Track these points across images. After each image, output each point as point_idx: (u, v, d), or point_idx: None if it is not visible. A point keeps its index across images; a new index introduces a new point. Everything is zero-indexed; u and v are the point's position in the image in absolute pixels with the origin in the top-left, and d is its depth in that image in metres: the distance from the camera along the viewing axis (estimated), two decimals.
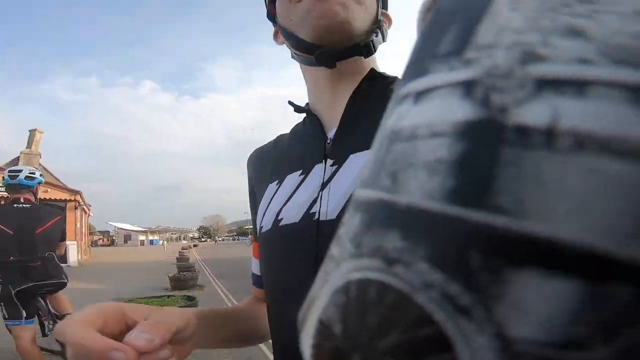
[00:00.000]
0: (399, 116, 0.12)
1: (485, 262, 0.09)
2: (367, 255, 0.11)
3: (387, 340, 0.10)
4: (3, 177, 2.26)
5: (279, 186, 0.44)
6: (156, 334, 0.27)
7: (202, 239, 77.64)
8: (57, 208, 2.58)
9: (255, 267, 0.54)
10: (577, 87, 0.08)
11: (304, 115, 0.47)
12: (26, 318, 2.14)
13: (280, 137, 0.53)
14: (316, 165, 0.41)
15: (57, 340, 2.30)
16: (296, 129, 0.50)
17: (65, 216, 2.45)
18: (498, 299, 0.08)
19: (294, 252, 0.39)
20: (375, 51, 0.41)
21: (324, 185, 0.38)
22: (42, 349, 2.46)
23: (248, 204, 0.53)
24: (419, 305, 0.10)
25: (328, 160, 0.40)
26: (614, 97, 0.08)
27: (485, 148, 0.09)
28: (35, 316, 2.27)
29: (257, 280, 0.52)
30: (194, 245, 37.82)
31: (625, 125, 0.08)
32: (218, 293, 6.60)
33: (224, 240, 72.07)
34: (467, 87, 0.10)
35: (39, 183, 2.34)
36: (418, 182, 0.10)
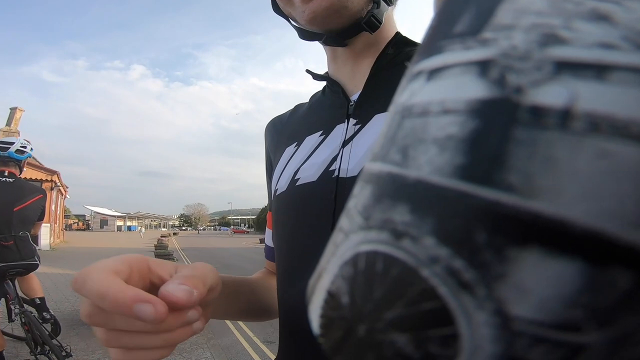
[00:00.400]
0: (412, 93, 0.12)
1: (491, 240, 0.09)
2: (375, 227, 0.11)
3: (391, 312, 0.10)
4: None
5: (297, 148, 0.42)
6: (195, 287, 0.23)
7: (183, 228, 75.74)
8: (40, 187, 2.39)
9: (268, 238, 0.51)
10: (598, 71, 0.08)
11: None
12: None
13: (299, 106, 0.50)
14: (338, 125, 0.38)
15: (22, 326, 2.25)
16: (315, 97, 0.47)
17: (46, 195, 2.33)
18: (500, 277, 0.08)
19: (311, 211, 0.36)
20: (380, 22, 0.38)
21: (345, 142, 0.36)
22: (6, 334, 2.40)
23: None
24: (424, 279, 0.10)
25: (351, 119, 0.37)
26: (636, 82, 0.08)
27: (497, 126, 0.09)
28: (2, 299, 2.19)
29: (270, 253, 0.50)
30: (174, 234, 37.07)
31: None
32: None
33: (204, 229, 70.63)
34: (482, 67, 0.10)
35: (28, 157, 2.26)
36: (428, 157, 0.10)
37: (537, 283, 0.08)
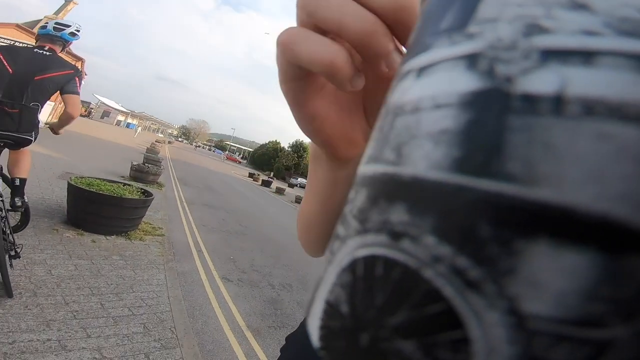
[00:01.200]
0: (402, 91, 0.12)
1: (495, 233, 0.08)
2: (372, 230, 0.11)
3: (395, 317, 0.10)
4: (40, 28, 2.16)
5: None
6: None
7: (179, 139, 76.63)
8: (74, 66, 2.26)
9: None
10: (584, 56, 0.08)
11: None
12: None
13: None
14: None
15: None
16: None
17: (78, 74, 2.20)
18: (509, 272, 0.08)
19: None
20: None
21: None
22: None
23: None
24: (427, 281, 0.09)
25: None
26: (623, 65, 0.08)
27: (492, 116, 0.09)
28: None
29: None
30: (169, 142, 37.22)
31: (636, 91, 0.08)
32: (174, 197, 6.62)
33: (199, 147, 71.23)
34: (471, 60, 0.10)
35: (75, 40, 2.26)
36: (423, 153, 0.10)
37: (551, 276, 0.08)
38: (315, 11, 0.16)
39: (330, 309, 0.12)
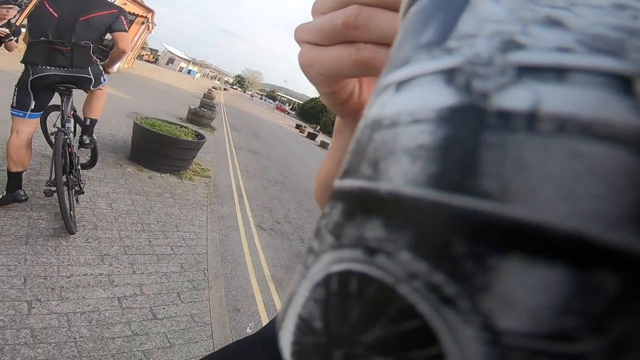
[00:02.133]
0: (381, 105, 0.12)
1: (470, 250, 0.08)
2: (348, 246, 0.11)
3: (370, 334, 0.10)
4: None
5: None
6: None
7: (234, 87, 78.95)
8: (117, 5, 2.44)
9: None
10: (557, 73, 0.09)
11: None
12: (33, 110, 2.10)
13: None
14: None
15: (51, 146, 2.36)
16: None
17: (123, 13, 2.37)
18: (484, 288, 0.08)
19: None
20: None
21: None
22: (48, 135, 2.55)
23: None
24: (403, 297, 0.09)
25: None
26: (595, 83, 0.08)
27: (467, 132, 0.09)
28: (40, 112, 2.24)
29: None
30: (224, 89, 38.38)
31: (608, 110, 0.08)
32: (224, 142, 6.97)
33: (253, 96, 72.77)
34: (449, 75, 0.10)
35: None
36: (399, 169, 0.10)
37: (524, 292, 0.08)
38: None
39: (304, 325, 0.12)
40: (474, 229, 0.08)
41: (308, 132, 21.24)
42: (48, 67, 2.10)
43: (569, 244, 0.08)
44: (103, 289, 1.90)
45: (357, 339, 0.10)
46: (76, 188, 2.35)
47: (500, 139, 0.09)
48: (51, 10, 2.09)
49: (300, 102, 70.67)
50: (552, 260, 0.08)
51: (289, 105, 79.83)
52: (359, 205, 0.11)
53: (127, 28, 2.28)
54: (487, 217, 0.08)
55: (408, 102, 0.11)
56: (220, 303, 2.20)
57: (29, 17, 2.11)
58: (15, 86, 2.09)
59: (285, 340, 0.12)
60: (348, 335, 0.10)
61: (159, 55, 59.59)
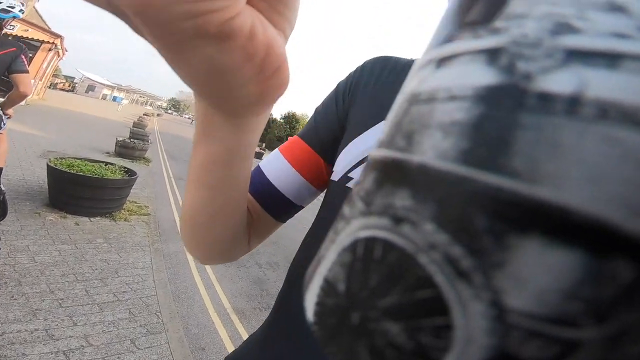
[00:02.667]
0: (420, 80, 0.12)
1: (490, 226, 0.09)
2: (376, 213, 0.11)
3: (386, 300, 0.10)
4: None
5: (371, 128, 0.34)
6: None
7: (169, 111, 74.87)
8: (22, 43, 2.23)
9: (271, 166, 0.40)
10: (609, 59, 0.08)
11: None
12: None
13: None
14: None
15: None
16: None
17: (23, 51, 2.15)
18: (499, 265, 0.08)
19: None
20: None
21: None
22: None
23: None
24: (421, 267, 0.09)
25: None
26: None
27: (504, 112, 0.09)
28: None
29: (262, 187, 0.39)
30: (158, 114, 36.29)
31: None
32: (162, 173, 6.53)
33: (190, 118, 69.74)
34: (491, 55, 0.10)
35: (13, 17, 2.11)
36: (432, 143, 0.10)
37: (536, 273, 0.08)
38: None
39: (328, 287, 0.12)
40: (497, 206, 0.09)
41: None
42: None
43: (589, 228, 0.08)
44: (43, 344, 1.68)
45: (374, 304, 0.10)
46: None
47: (537, 121, 0.09)
48: None
49: None
50: (568, 244, 0.08)
51: None
52: (391, 174, 0.11)
53: (27, 68, 2.07)
54: (511, 196, 0.08)
55: (447, 79, 0.11)
56: (181, 344, 2.02)
57: None
58: None
59: (310, 301, 0.12)
60: (366, 298, 0.10)
61: (75, 83, 54.30)
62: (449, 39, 0.12)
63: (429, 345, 0.09)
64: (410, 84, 0.13)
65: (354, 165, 0.34)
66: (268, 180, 0.39)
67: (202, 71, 0.16)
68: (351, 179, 0.34)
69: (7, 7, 2.07)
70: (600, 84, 0.08)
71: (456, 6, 0.13)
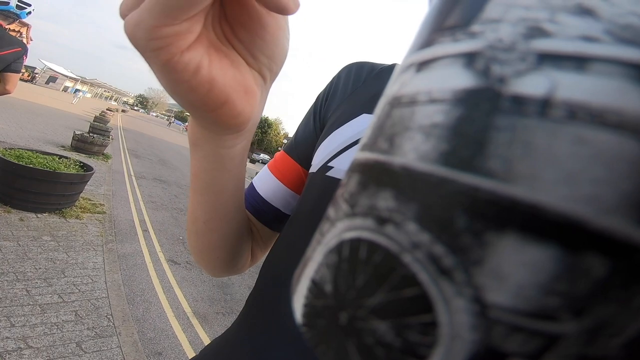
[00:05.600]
0: (402, 84, 0.12)
1: (470, 224, 0.09)
2: (360, 214, 0.11)
3: (373, 299, 0.10)
4: None
5: (349, 121, 0.35)
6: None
7: (135, 108, 71.57)
8: (22, 42, 2.23)
9: (262, 181, 0.43)
10: (578, 62, 0.09)
11: None
12: None
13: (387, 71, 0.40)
14: None
15: None
16: None
17: (26, 51, 2.17)
18: (478, 262, 0.09)
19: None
20: None
21: None
22: None
23: None
24: (406, 266, 0.10)
25: None
26: (614, 73, 0.08)
27: (480, 114, 0.10)
28: None
29: (256, 202, 0.41)
30: (122, 111, 34.55)
31: (621, 99, 0.08)
32: (122, 171, 6.20)
33: (157, 116, 66.84)
34: (469, 58, 0.10)
35: (27, 14, 2.18)
36: (413, 145, 0.11)
37: (514, 269, 0.08)
38: None
39: (315, 288, 0.12)
40: (476, 205, 0.09)
41: None
42: None
43: (562, 225, 0.08)
44: None
45: (361, 303, 0.10)
46: None
47: (511, 123, 0.09)
48: None
49: None
50: (544, 240, 0.08)
51: None
52: (374, 176, 0.11)
53: (22, 69, 2.11)
54: (488, 195, 0.09)
55: (427, 82, 0.11)
56: (135, 348, 1.91)
57: None
58: None
59: (298, 303, 0.13)
60: (353, 299, 0.11)
61: (36, 74, 50.58)
62: (428, 42, 0.12)
63: (416, 342, 0.09)
64: (392, 88, 0.13)
65: (333, 155, 0.35)
66: (260, 195, 0.43)
67: (168, 89, 0.19)
68: (331, 167, 0.34)
69: (19, 2, 2.11)
70: (569, 87, 0.09)
71: (436, 10, 0.13)
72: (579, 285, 0.08)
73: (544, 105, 0.09)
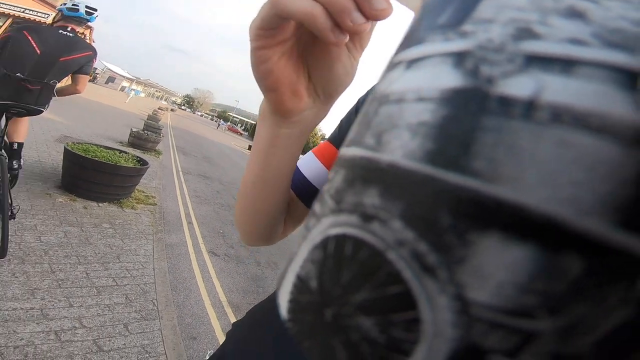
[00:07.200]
0: (390, 81, 0.12)
1: (454, 223, 0.09)
2: (346, 211, 0.11)
3: (358, 296, 0.10)
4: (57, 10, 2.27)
5: None
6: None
7: (182, 107, 76.21)
8: (92, 46, 2.43)
9: (305, 164, 0.48)
10: (565, 65, 0.09)
11: None
12: None
13: None
14: None
15: None
16: None
17: (96, 54, 2.39)
18: (461, 260, 0.09)
19: None
20: None
21: None
22: None
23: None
24: (390, 263, 0.10)
25: None
26: (600, 77, 0.08)
27: (467, 114, 0.09)
28: None
29: (300, 182, 0.46)
30: (172, 110, 36.84)
31: (605, 103, 0.08)
32: (170, 166, 6.62)
33: (202, 116, 70.56)
34: (459, 58, 0.10)
35: (93, 20, 2.36)
36: (400, 142, 0.11)
37: (495, 268, 0.08)
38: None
39: (300, 284, 0.12)
40: (460, 204, 0.09)
41: None
42: (9, 103, 2.00)
43: (542, 225, 0.08)
44: (36, 323, 1.70)
45: (347, 300, 0.10)
46: (9, 213, 2.14)
47: (497, 124, 0.09)
48: (34, 44, 2.00)
49: (253, 122, 69.82)
50: (524, 240, 0.08)
51: (242, 126, 78.43)
52: (360, 173, 0.11)
53: (91, 70, 2.29)
54: (472, 194, 0.09)
55: (416, 80, 0.11)
56: (174, 332, 2.04)
57: (3, 45, 1.98)
58: None
59: (283, 299, 0.13)
60: (339, 295, 0.11)
61: (97, 74, 55.77)
62: (419, 40, 0.12)
63: (400, 338, 0.09)
64: (381, 85, 0.13)
65: None
66: (303, 175, 0.48)
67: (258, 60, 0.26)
68: None
69: (88, 8, 2.29)
70: (554, 89, 0.09)
71: (428, 8, 0.13)
72: (555, 284, 0.08)
73: (529, 108, 0.09)
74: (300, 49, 0.27)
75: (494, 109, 0.09)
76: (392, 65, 0.13)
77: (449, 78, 0.10)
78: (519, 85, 0.09)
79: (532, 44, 0.09)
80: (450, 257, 0.09)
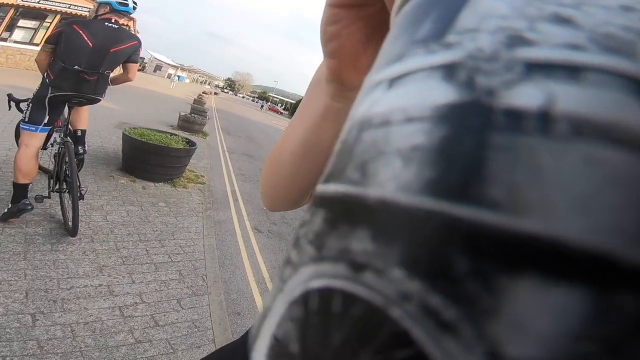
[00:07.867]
0: (371, 103, 0.11)
1: (474, 268, 0.07)
2: (330, 259, 0.10)
3: None
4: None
5: None
6: None
7: (225, 90, 78.96)
8: (137, 36, 2.64)
9: None
10: (570, 71, 0.08)
11: None
12: (45, 125, 2.23)
13: None
14: None
15: (53, 157, 2.51)
16: None
17: (141, 43, 2.63)
18: (491, 312, 0.07)
19: None
20: None
21: None
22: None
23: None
24: (394, 321, 0.08)
25: None
26: (610, 83, 0.08)
27: (470, 132, 0.08)
28: (50, 127, 2.39)
29: None
30: (215, 93, 38.22)
31: (625, 113, 0.07)
32: (217, 146, 6.96)
33: (244, 97, 72.58)
34: (448, 70, 0.09)
35: (129, 13, 2.52)
36: (391, 173, 0.09)
37: (537, 316, 0.07)
38: None
39: (278, 346, 0.10)
40: (479, 243, 0.07)
41: None
42: (71, 91, 2.24)
43: (588, 262, 0.07)
44: (104, 299, 1.92)
45: None
46: (78, 194, 2.44)
47: (509, 141, 0.08)
48: (86, 39, 2.22)
49: (293, 101, 71.63)
50: (569, 280, 0.07)
51: (282, 106, 79.88)
52: (344, 213, 0.10)
53: (138, 58, 2.48)
54: (495, 231, 0.07)
55: (401, 99, 0.10)
56: (220, 307, 2.20)
57: (57, 40, 2.16)
58: (30, 101, 2.19)
59: None
60: None
61: (145, 63, 59.35)
62: (399, 56, 0.11)
63: None
64: (360, 109, 0.12)
65: None
66: None
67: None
68: None
69: (134, 3, 2.46)
70: (568, 98, 0.08)
71: (404, 23, 0.12)
72: (612, 326, 0.07)
73: (544, 120, 0.08)
74: (376, 22, 0.24)
75: (502, 123, 0.08)
76: (370, 87, 0.11)
77: (441, 92, 0.09)
78: (526, 95, 0.08)
79: (529, 51, 0.08)
80: (475, 310, 0.07)
